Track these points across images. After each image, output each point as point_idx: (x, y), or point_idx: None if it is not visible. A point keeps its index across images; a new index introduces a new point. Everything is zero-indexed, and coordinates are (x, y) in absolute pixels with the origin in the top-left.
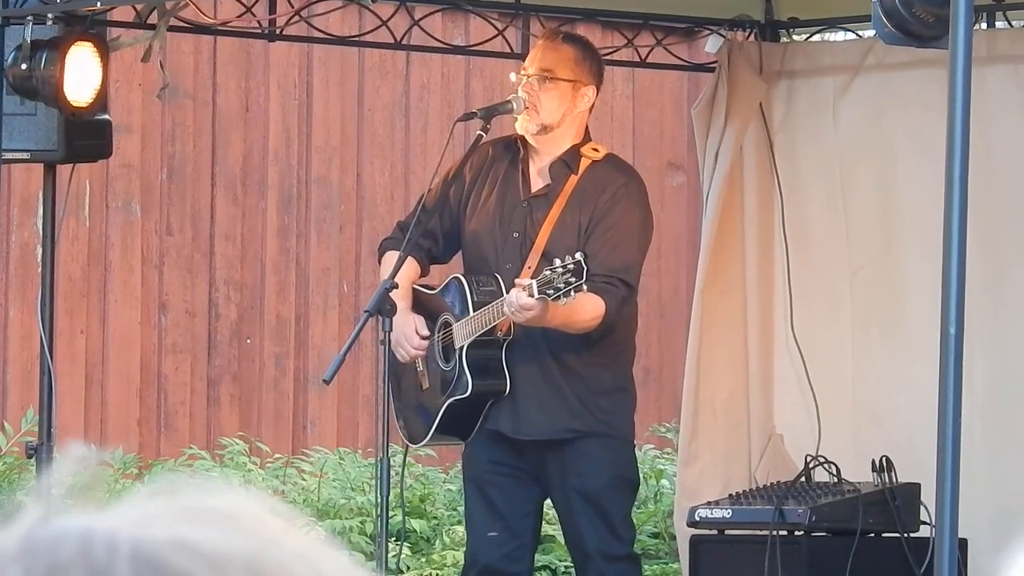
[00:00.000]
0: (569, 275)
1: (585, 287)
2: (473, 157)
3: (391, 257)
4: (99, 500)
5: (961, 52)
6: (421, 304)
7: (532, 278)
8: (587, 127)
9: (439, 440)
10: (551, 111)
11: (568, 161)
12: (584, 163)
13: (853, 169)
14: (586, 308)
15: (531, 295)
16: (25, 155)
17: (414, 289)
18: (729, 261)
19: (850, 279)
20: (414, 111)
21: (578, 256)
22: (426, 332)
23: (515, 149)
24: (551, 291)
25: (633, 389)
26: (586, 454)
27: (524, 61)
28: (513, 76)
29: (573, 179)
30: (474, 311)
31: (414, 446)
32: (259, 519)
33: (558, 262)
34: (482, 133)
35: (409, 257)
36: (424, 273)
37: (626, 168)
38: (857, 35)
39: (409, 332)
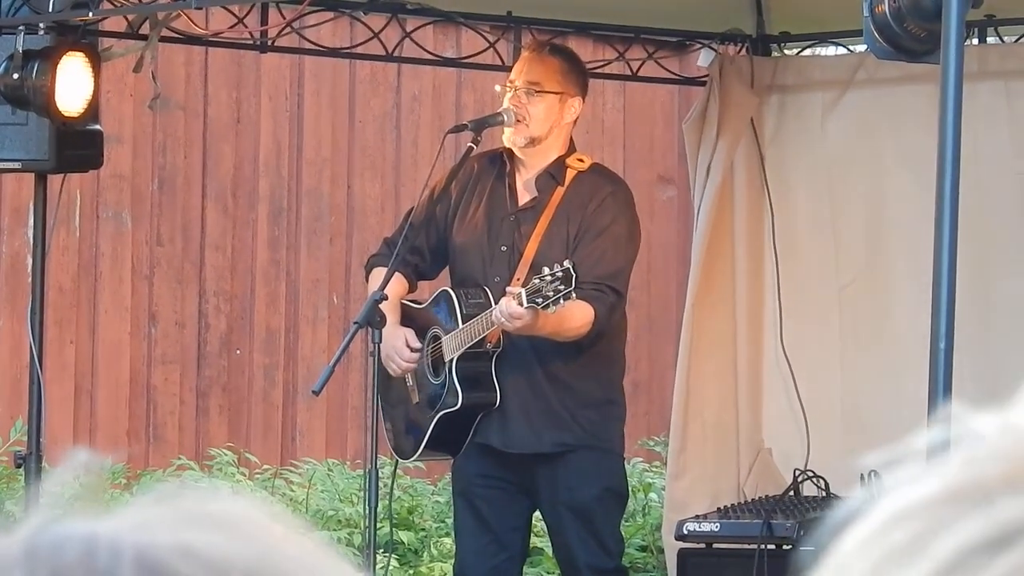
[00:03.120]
0: (558, 283)
1: (574, 295)
2: (459, 173)
3: (379, 273)
4: (99, 506)
5: (952, 67)
6: (410, 318)
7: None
8: (572, 139)
9: (429, 455)
10: (539, 123)
11: (554, 173)
12: (570, 174)
13: (842, 183)
14: (575, 316)
15: (520, 304)
16: (16, 164)
17: (403, 304)
18: (719, 275)
19: (838, 293)
20: (405, 123)
21: (566, 264)
22: (417, 344)
23: (501, 163)
24: (540, 299)
25: (623, 401)
26: (575, 467)
27: (510, 73)
28: (498, 88)
29: (560, 191)
30: (463, 323)
31: (404, 461)
32: (261, 525)
33: (547, 270)
34: (473, 145)
35: (397, 273)
36: (412, 289)
37: (612, 177)
38: (848, 50)
39: (399, 346)
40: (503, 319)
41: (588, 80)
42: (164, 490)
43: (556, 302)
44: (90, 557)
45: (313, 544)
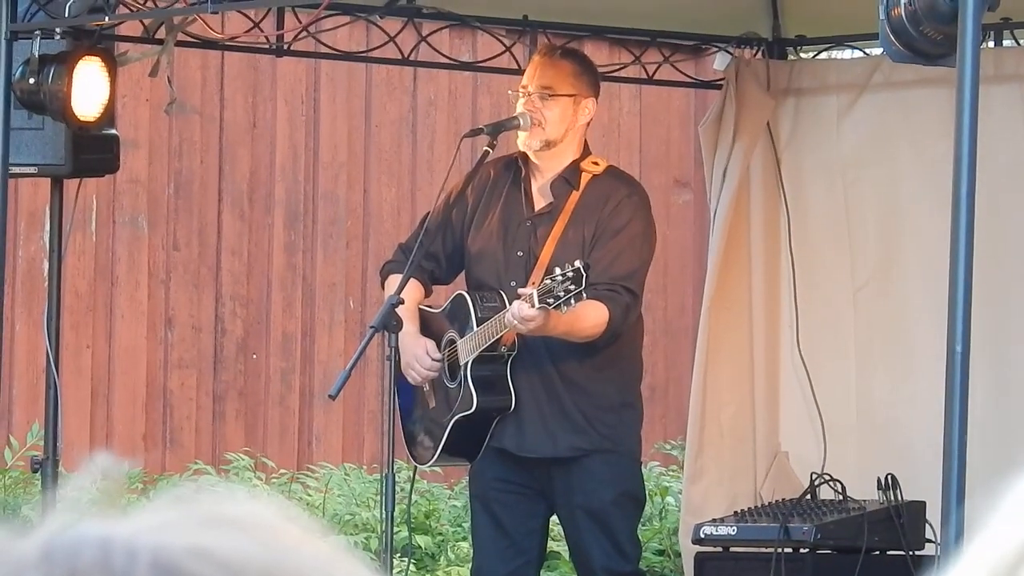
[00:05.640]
0: (568, 283)
1: (585, 294)
2: (475, 178)
3: (394, 280)
4: (115, 510)
5: (968, 70)
6: (427, 323)
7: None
8: (586, 141)
9: (446, 460)
10: (555, 126)
11: (569, 178)
12: (585, 178)
13: (857, 186)
14: (589, 316)
15: (532, 305)
16: (32, 169)
17: (420, 309)
18: (736, 278)
19: (854, 296)
20: (421, 127)
21: (577, 264)
22: (437, 355)
23: (516, 168)
24: (551, 299)
25: (640, 405)
26: (592, 471)
27: (522, 79)
28: (511, 93)
29: (575, 195)
30: (478, 327)
31: (422, 466)
32: (277, 527)
33: (558, 270)
34: (489, 149)
35: (412, 279)
36: (427, 294)
37: (627, 179)
38: (864, 53)
39: (420, 355)
40: (515, 321)
41: (600, 81)
42: (180, 493)
43: (567, 302)
44: (106, 559)
45: (329, 546)
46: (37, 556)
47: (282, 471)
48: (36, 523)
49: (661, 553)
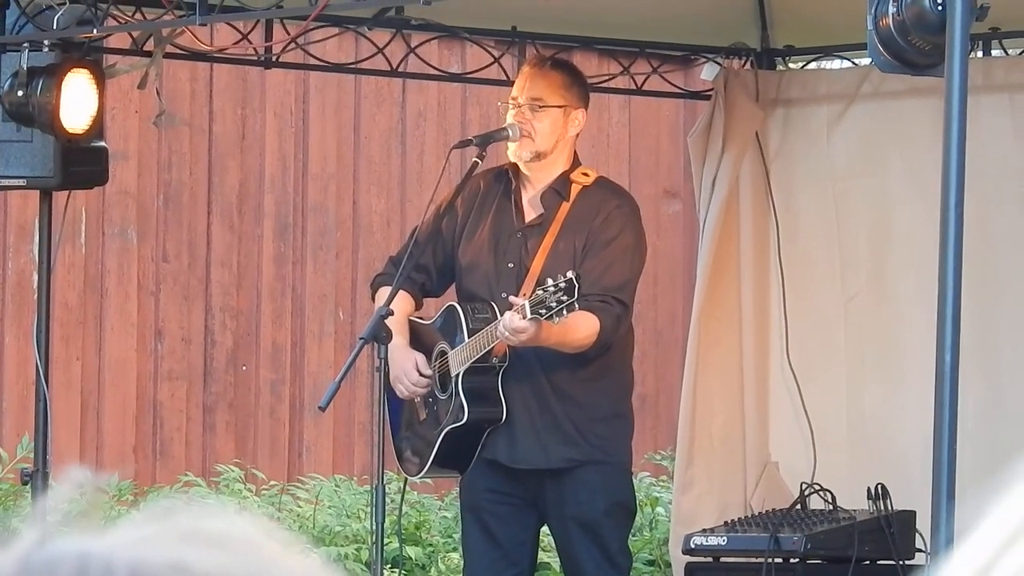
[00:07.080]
0: (561, 294)
1: (577, 305)
2: (464, 190)
3: (384, 292)
4: (96, 524)
5: (957, 80)
6: (417, 335)
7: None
8: (576, 152)
9: (437, 472)
10: (545, 137)
11: (559, 189)
12: (575, 189)
13: (847, 197)
14: (580, 326)
15: (524, 316)
16: (21, 182)
17: (410, 321)
18: (725, 289)
19: (844, 306)
20: (410, 138)
21: (570, 274)
22: (427, 371)
23: (506, 180)
24: (544, 310)
25: (631, 416)
26: (583, 482)
27: (512, 90)
28: (501, 104)
29: (565, 207)
30: (469, 338)
31: (412, 478)
32: (257, 542)
33: (550, 281)
34: (478, 160)
35: (403, 291)
36: (418, 307)
37: (618, 190)
38: (853, 63)
39: (409, 368)
40: (507, 333)
41: (589, 91)
42: (159, 507)
43: (559, 313)
44: (84, 574)
45: (310, 561)
46: (14, 570)
47: (272, 483)
48: (26, 532)
49: (652, 563)
